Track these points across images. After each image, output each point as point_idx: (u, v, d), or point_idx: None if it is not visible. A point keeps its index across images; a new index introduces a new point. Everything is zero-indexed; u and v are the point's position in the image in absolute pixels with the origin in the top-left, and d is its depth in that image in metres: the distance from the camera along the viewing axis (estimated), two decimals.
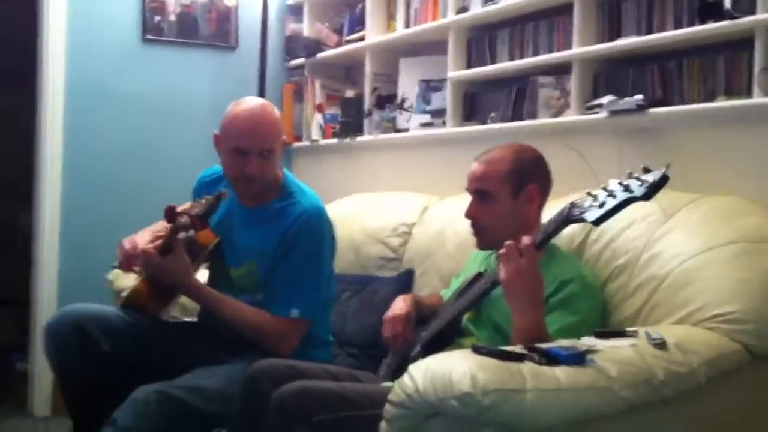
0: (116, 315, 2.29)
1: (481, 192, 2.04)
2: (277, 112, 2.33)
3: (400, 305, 2.17)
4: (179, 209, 2.22)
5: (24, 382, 3.63)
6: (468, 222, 2.08)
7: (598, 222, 1.61)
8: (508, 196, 2.01)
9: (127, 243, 2.32)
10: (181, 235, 2.23)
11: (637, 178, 1.55)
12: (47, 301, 3.49)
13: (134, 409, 2.00)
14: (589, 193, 1.64)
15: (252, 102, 2.33)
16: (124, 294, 2.40)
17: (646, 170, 1.55)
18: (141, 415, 2.00)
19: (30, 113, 3.63)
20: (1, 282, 4.46)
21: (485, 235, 2.05)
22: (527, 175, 2.03)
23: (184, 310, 2.64)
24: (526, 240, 1.71)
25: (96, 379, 2.20)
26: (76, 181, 3.54)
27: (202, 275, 2.43)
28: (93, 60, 3.57)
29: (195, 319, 2.54)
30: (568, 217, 1.71)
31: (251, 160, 2.23)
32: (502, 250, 1.74)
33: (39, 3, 3.53)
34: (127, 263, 2.32)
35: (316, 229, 2.32)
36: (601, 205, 1.60)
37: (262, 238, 2.31)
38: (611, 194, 1.58)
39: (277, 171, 2.36)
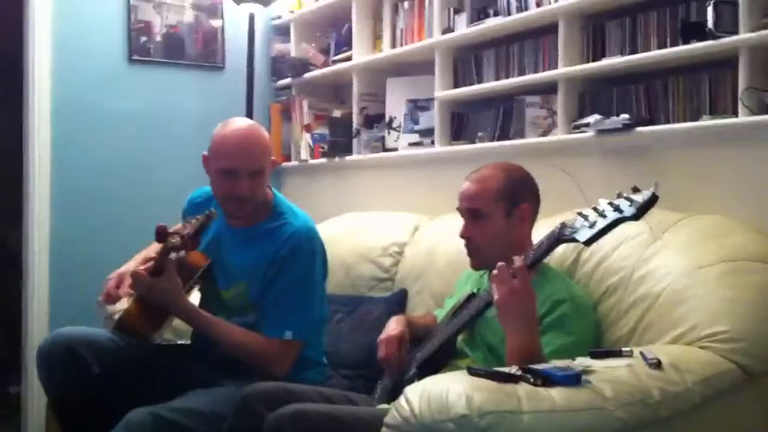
0: (108, 338, 2.28)
1: (474, 211, 2.05)
2: (265, 133, 2.34)
3: (393, 326, 2.18)
4: (170, 230, 2.22)
5: (17, 406, 3.59)
6: (461, 241, 2.09)
7: (589, 242, 1.63)
8: (502, 214, 2.02)
9: (112, 281, 2.33)
10: (172, 255, 2.23)
11: (627, 198, 1.57)
12: (38, 320, 3.47)
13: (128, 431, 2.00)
14: (579, 213, 1.66)
15: (240, 123, 2.34)
16: (116, 317, 2.39)
17: (636, 190, 1.57)
18: None
19: (17, 133, 3.62)
20: None
21: (479, 254, 2.06)
22: (519, 194, 2.04)
23: (176, 332, 2.63)
24: (518, 261, 1.73)
25: (89, 402, 2.18)
26: (65, 201, 3.53)
27: (195, 298, 2.42)
28: (79, 81, 3.57)
29: (188, 342, 2.53)
30: (559, 237, 1.72)
31: (241, 181, 2.23)
32: (495, 272, 1.75)
33: (24, 23, 3.52)
34: (108, 300, 2.33)
35: (308, 250, 2.32)
36: (592, 225, 1.61)
37: (252, 259, 2.31)
38: (601, 214, 1.60)
39: (267, 191, 2.36)
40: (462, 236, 2.07)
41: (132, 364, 2.25)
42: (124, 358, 2.25)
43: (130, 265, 2.36)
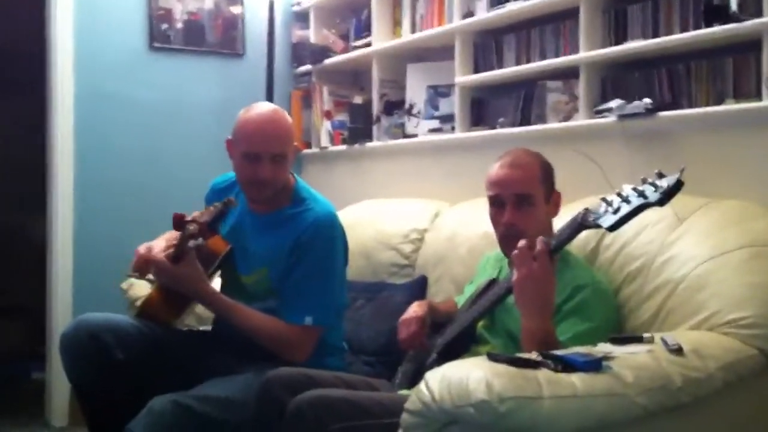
0: (131, 324, 2.30)
1: (521, 197, 1.99)
2: (288, 118, 2.34)
3: (415, 309, 2.18)
4: (188, 218, 2.23)
5: (41, 392, 3.64)
6: (482, 227, 2.07)
7: (613, 228, 1.62)
8: (543, 200, 2.01)
9: (142, 248, 2.34)
10: (191, 243, 2.24)
11: (652, 184, 1.56)
12: (62, 309, 3.51)
13: (150, 420, 2.01)
14: (603, 199, 1.65)
15: (263, 107, 2.34)
16: (138, 303, 2.42)
17: (660, 175, 1.56)
18: (157, 426, 2.00)
19: (39, 123, 3.65)
20: (15, 290, 4.49)
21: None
22: (552, 182, 2.06)
23: (199, 319, 2.65)
24: (540, 245, 1.72)
25: (112, 387, 2.21)
26: (88, 189, 3.56)
27: (216, 284, 2.44)
28: (101, 68, 3.59)
29: (209, 328, 2.55)
30: (582, 223, 1.71)
31: (263, 165, 2.24)
32: (516, 252, 1.74)
33: (46, 13, 3.55)
34: (140, 267, 2.33)
35: (329, 236, 2.32)
36: (616, 211, 1.60)
37: (274, 245, 2.32)
38: (626, 200, 1.59)
39: (289, 177, 2.37)
40: (506, 224, 2.00)
41: (155, 350, 2.27)
42: (147, 344, 2.27)
43: (159, 243, 2.37)
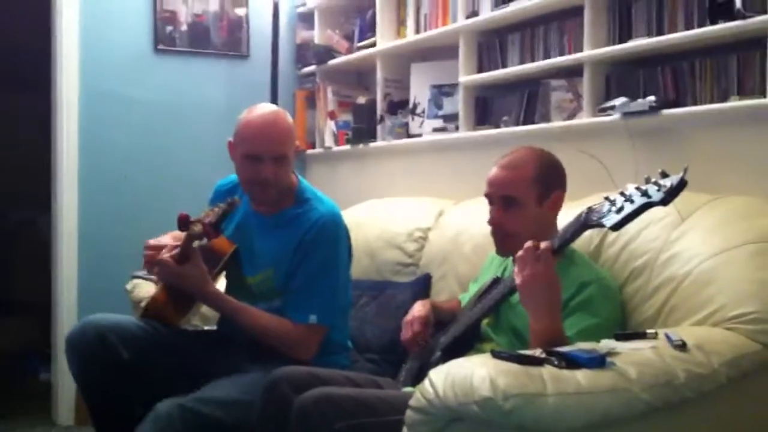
0: (136, 324, 2.31)
1: (507, 198, 2.00)
2: (289, 118, 2.35)
3: (418, 308, 2.18)
4: (193, 218, 2.24)
5: (48, 392, 3.65)
6: (486, 226, 2.07)
7: (616, 227, 1.62)
8: (534, 202, 1.99)
9: (152, 241, 2.35)
10: (196, 243, 2.25)
11: (656, 183, 1.56)
12: (68, 308, 3.53)
13: (156, 424, 2.01)
14: (607, 198, 1.65)
15: (265, 108, 2.35)
16: (143, 304, 2.42)
17: (664, 175, 1.56)
18: (163, 429, 2.00)
19: (45, 119, 3.66)
20: (23, 287, 4.51)
21: (509, 241, 2.00)
22: (551, 181, 2.01)
23: (204, 319, 2.66)
24: (544, 244, 1.72)
25: (117, 388, 2.22)
26: (93, 188, 3.58)
27: (221, 285, 2.44)
28: (106, 70, 3.61)
29: (215, 328, 2.56)
30: (586, 222, 1.71)
31: (265, 166, 2.25)
32: (520, 253, 1.74)
33: (52, 14, 3.56)
34: (151, 262, 2.33)
35: (333, 236, 2.33)
36: (619, 210, 1.60)
37: (278, 245, 2.32)
38: (629, 199, 1.59)
39: (292, 177, 2.37)
40: (491, 223, 2.04)
41: (160, 351, 2.28)
42: (153, 344, 2.28)
43: (166, 238, 2.38)
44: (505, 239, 2.03)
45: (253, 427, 1.97)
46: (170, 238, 2.38)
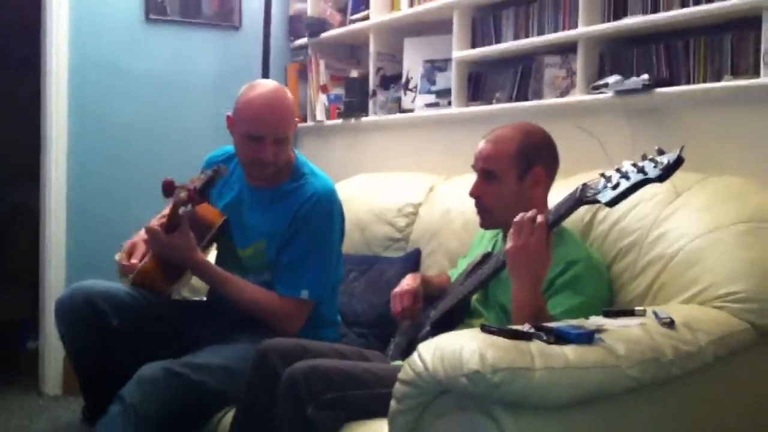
0: (126, 292, 2.31)
1: (486, 172, 2.03)
2: (290, 97, 2.33)
3: (408, 281, 2.18)
4: (178, 185, 2.24)
5: (35, 361, 3.65)
6: (473, 201, 2.08)
7: (611, 203, 1.62)
8: (514, 177, 2.00)
9: (125, 252, 2.37)
10: (181, 210, 2.24)
11: (652, 160, 1.56)
12: (56, 279, 3.51)
13: (141, 387, 2.03)
14: (602, 175, 1.65)
15: (266, 87, 2.32)
16: (132, 273, 2.42)
17: (661, 152, 1.56)
18: (148, 393, 2.02)
19: (34, 96, 3.63)
20: (10, 259, 4.50)
21: (488, 214, 2.05)
22: (534, 158, 2.01)
23: (194, 290, 2.66)
24: (539, 218, 1.72)
25: (106, 354, 2.22)
26: (82, 160, 3.55)
27: (212, 257, 2.44)
28: (96, 40, 3.57)
29: (204, 299, 2.56)
30: (581, 198, 1.71)
31: (265, 146, 2.24)
32: (517, 219, 1.74)
33: None
34: (125, 270, 2.36)
35: (327, 211, 2.33)
36: (615, 187, 1.60)
37: (272, 219, 2.32)
38: (625, 176, 1.59)
39: (290, 154, 2.36)
40: (471, 195, 2.06)
41: (150, 318, 2.28)
42: (142, 312, 2.28)
43: (140, 235, 2.38)
44: (483, 212, 2.06)
45: (238, 396, 1.97)
46: (139, 238, 2.38)
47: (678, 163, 1.53)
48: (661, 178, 1.54)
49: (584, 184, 1.71)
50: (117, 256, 2.74)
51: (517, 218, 1.75)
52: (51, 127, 3.51)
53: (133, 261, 2.34)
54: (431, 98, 3.14)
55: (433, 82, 3.15)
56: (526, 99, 2.76)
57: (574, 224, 2.10)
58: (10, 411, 3.32)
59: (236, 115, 2.30)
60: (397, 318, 2.16)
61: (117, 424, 2.00)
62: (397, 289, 2.16)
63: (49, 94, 3.51)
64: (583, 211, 2.10)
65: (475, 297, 2.04)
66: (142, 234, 2.38)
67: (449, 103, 3.05)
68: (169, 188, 2.23)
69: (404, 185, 2.99)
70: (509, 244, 1.75)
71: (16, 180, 4.61)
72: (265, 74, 3.55)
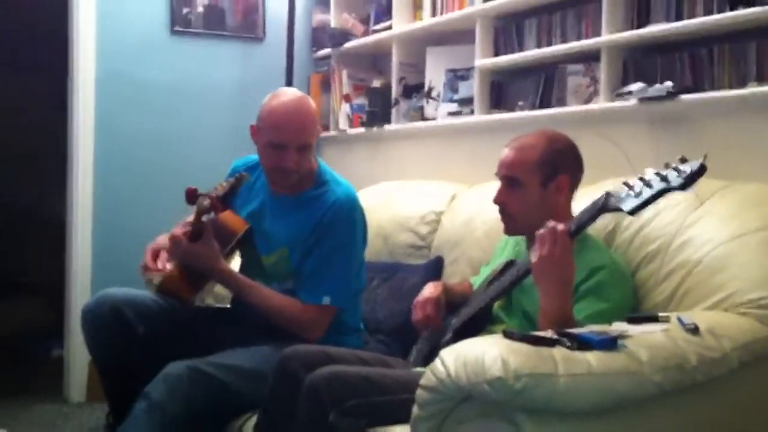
0: (151, 299, 2.33)
1: (510, 179, 2.03)
2: (313, 105, 2.35)
3: (430, 289, 2.19)
4: (201, 192, 2.26)
5: (59, 368, 3.68)
6: (496, 208, 2.08)
7: (634, 212, 1.62)
8: (538, 185, 2.00)
9: (149, 253, 2.38)
10: (205, 217, 2.26)
11: (675, 168, 1.56)
12: (81, 287, 3.55)
13: (167, 384, 2.05)
14: (625, 183, 1.65)
15: (289, 95, 2.34)
16: (157, 281, 2.44)
17: (683, 160, 1.55)
18: (174, 389, 2.04)
19: (60, 102, 3.68)
20: (35, 268, 4.54)
21: (512, 221, 2.06)
22: (558, 165, 2.01)
23: (217, 298, 2.67)
24: (561, 227, 1.72)
25: (132, 361, 2.24)
26: (108, 169, 3.59)
27: (236, 264, 2.46)
28: (122, 52, 3.61)
29: (228, 306, 2.57)
30: (603, 207, 1.71)
31: (288, 154, 2.25)
32: (541, 231, 1.74)
33: None
34: (147, 272, 2.38)
35: (350, 218, 2.34)
36: (638, 195, 1.60)
37: (295, 226, 2.33)
38: (647, 184, 1.59)
39: (312, 161, 2.38)
40: (495, 201, 2.07)
41: (175, 326, 2.30)
42: (168, 319, 2.30)
43: (165, 239, 2.40)
44: (507, 219, 2.07)
45: (262, 397, 1.98)
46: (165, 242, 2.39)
47: (701, 171, 1.52)
48: (683, 186, 1.54)
49: (607, 193, 1.71)
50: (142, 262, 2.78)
51: (539, 231, 1.75)
52: (78, 136, 3.56)
53: (159, 265, 2.35)
54: (453, 107, 3.14)
55: (456, 91, 3.15)
56: (549, 107, 2.75)
57: (598, 231, 2.10)
58: (34, 418, 3.34)
59: (260, 123, 2.32)
60: (418, 326, 2.16)
61: (142, 420, 2.03)
62: (419, 298, 2.17)
63: (75, 104, 3.56)
64: (607, 219, 2.10)
65: (497, 304, 2.03)
66: (165, 238, 2.40)
67: (472, 112, 3.05)
68: (192, 196, 2.25)
69: (427, 193, 3.00)
70: (534, 256, 1.75)
71: (34, 184, 4.64)
72: (289, 85, 3.57)
